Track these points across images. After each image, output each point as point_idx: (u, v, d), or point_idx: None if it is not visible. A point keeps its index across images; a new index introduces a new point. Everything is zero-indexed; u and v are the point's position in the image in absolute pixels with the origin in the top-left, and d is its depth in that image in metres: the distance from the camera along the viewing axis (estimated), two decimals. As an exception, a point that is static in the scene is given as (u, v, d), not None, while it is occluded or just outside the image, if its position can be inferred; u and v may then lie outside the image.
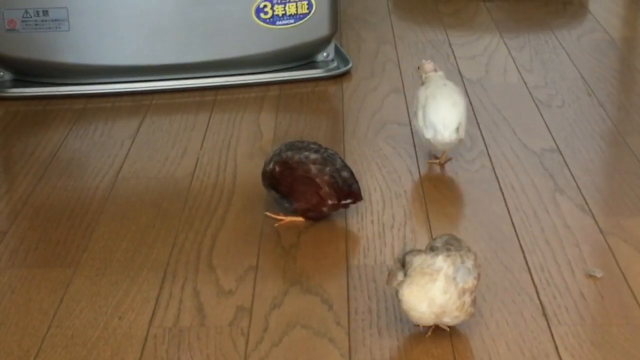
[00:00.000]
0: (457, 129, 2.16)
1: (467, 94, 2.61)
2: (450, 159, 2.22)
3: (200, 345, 1.58)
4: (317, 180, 1.91)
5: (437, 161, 2.22)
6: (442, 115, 2.16)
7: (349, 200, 1.94)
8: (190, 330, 1.61)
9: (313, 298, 1.70)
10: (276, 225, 1.94)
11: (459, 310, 1.55)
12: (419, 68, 2.28)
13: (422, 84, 2.24)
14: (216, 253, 1.85)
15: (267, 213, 1.97)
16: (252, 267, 1.80)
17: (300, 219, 1.95)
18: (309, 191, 1.91)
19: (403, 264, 1.57)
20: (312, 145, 1.95)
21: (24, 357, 1.55)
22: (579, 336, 1.59)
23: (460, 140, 2.18)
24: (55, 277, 1.77)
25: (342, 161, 1.96)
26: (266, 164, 1.95)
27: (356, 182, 1.95)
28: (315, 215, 1.94)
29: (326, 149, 1.96)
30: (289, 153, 1.92)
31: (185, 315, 1.65)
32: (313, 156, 1.92)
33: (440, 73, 2.25)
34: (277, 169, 1.92)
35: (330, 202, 1.92)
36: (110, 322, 1.63)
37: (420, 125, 2.18)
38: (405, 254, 1.58)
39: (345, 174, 1.93)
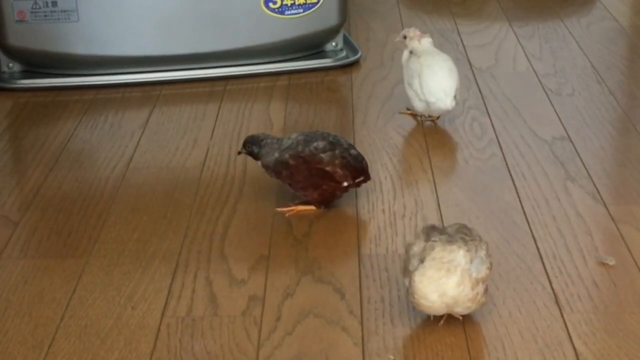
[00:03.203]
0: (455, 96, 2.31)
1: (476, 82, 2.61)
2: (439, 116, 2.35)
3: (213, 334, 1.58)
4: (329, 168, 1.91)
5: (431, 119, 2.35)
6: (442, 84, 2.29)
7: (362, 178, 1.95)
8: (203, 319, 1.62)
9: (325, 287, 1.70)
10: (287, 215, 1.94)
11: (472, 301, 1.55)
12: (405, 38, 2.37)
13: (411, 52, 2.36)
14: (228, 242, 1.85)
15: (278, 209, 1.96)
16: (264, 257, 1.80)
17: (310, 207, 1.95)
18: (325, 182, 1.92)
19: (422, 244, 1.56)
20: (318, 133, 1.96)
21: (38, 347, 1.55)
22: (592, 324, 1.59)
23: (456, 105, 2.33)
24: (67, 267, 1.77)
25: (347, 141, 1.97)
26: (279, 152, 1.94)
27: (364, 159, 1.97)
28: (330, 201, 1.95)
29: (329, 134, 1.97)
30: (300, 147, 1.93)
31: (198, 305, 1.65)
32: (321, 144, 1.92)
33: (427, 40, 2.36)
34: (291, 162, 1.92)
35: (345, 183, 1.92)
36: (124, 312, 1.64)
37: (418, 92, 2.30)
38: (428, 232, 1.56)
39: (353, 151, 1.95)
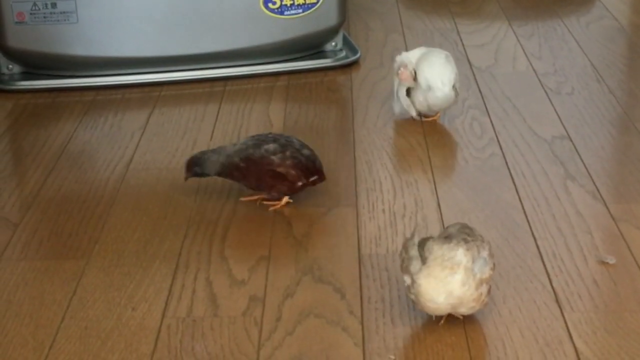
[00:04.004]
0: (454, 86, 2.29)
1: (476, 82, 2.61)
2: (438, 113, 2.36)
3: (214, 335, 1.58)
4: (281, 169, 1.93)
5: (431, 118, 2.35)
6: (440, 73, 2.29)
7: (315, 177, 1.97)
8: (204, 320, 1.62)
9: (325, 287, 1.70)
10: (244, 200, 1.97)
11: (476, 301, 1.55)
12: (415, 74, 2.33)
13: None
14: (228, 243, 1.85)
15: (242, 198, 1.98)
16: (265, 257, 1.80)
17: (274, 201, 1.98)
18: (278, 182, 1.94)
19: (420, 250, 1.56)
20: (270, 136, 1.98)
21: (39, 349, 1.55)
22: (592, 323, 1.59)
23: (457, 97, 2.32)
24: (68, 268, 1.77)
25: (301, 142, 1.98)
26: (226, 157, 1.96)
27: (318, 159, 1.98)
28: (291, 195, 1.97)
29: (281, 135, 1.99)
30: (250, 150, 1.94)
31: (199, 306, 1.65)
32: (272, 147, 1.94)
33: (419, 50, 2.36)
34: (242, 165, 1.94)
35: (300, 183, 1.95)
36: (124, 313, 1.64)
37: (418, 88, 2.29)
38: (421, 240, 1.57)
39: (306, 151, 1.97)
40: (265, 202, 1.98)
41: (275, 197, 1.97)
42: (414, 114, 2.33)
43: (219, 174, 1.98)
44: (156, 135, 2.33)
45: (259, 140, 1.97)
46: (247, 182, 1.97)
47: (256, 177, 1.95)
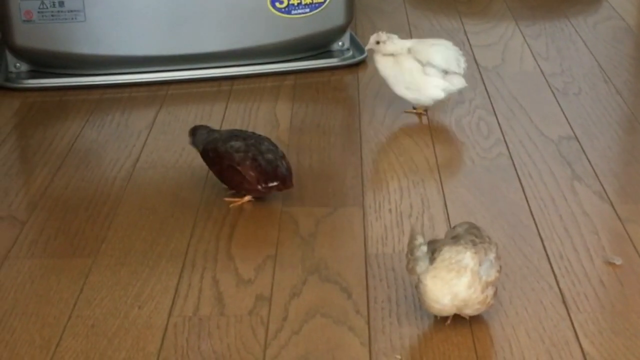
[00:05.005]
0: (457, 68, 2.32)
1: (483, 82, 2.61)
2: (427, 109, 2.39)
3: (220, 334, 1.58)
4: (240, 168, 1.95)
5: (417, 111, 2.38)
6: (452, 55, 2.32)
7: (275, 183, 1.95)
8: (210, 319, 1.62)
9: (332, 287, 1.71)
10: (231, 206, 1.97)
11: (481, 303, 1.55)
12: (378, 43, 2.35)
13: (392, 54, 2.35)
14: (235, 242, 1.85)
15: (226, 198, 1.99)
16: (271, 256, 1.80)
17: (247, 199, 1.99)
18: (237, 179, 1.96)
19: (429, 251, 1.55)
20: (248, 133, 2.00)
21: (45, 347, 1.55)
22: (598, 323, 1.59)
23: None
24: (74, 267, 1.77)
25: (270, 145, 1.98)
26: (205, 143, 2.01)
27: (283, 165, 1.96)
28: (258, 196, 1.98)
29: (258, 135, 2.00)
30: (219, 144, 1.97)
31: (205, 305, 1.66)
32: (237, 145, 1.96)
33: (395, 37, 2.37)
34: (211, 154, 1.99)
35: (259, 185, 1.95)
36: (131, 312, 1.64)
37: (418, 84, 2.32)
38: (428, 242, 1.57)
39: (269, 156, 1.96)
40: (226, 199, 1.99)
41: (260, 194, 1.97)
42: (444, 95, 2.33)
43: (201, 155, 2.02)
44: (163, 134, 2.33)
45: (232, 135, 1.99)
46: (214, 172, 2.01)
47: (219, 169, 1.98)
